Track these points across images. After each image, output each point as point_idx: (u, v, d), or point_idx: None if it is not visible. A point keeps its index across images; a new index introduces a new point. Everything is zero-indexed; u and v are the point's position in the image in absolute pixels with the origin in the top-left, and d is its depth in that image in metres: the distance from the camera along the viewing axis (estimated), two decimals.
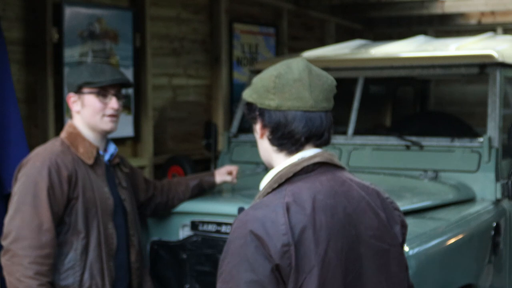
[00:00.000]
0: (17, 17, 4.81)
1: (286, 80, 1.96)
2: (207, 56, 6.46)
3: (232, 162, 4.85)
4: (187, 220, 3.59)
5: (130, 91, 5.55)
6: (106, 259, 3.00)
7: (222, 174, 3.73)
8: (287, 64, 2.00)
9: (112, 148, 3.19)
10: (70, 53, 5.01)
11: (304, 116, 1.94)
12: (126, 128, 5.53)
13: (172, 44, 6.10)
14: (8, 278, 2.84)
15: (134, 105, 5.59)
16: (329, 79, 2.02)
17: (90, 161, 3.04)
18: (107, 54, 5.35)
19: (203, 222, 3.54)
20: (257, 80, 2.02)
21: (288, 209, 1.84)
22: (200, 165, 5.78)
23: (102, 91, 3.05)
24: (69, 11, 5.02)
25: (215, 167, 4.92)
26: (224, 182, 3.75)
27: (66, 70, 4.99)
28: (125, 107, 5.50)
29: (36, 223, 2.85)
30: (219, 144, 5.30)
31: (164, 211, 3.61)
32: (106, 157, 3.16)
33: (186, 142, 6.20)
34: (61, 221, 2.94)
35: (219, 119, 6.38)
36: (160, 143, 5.93)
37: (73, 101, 3.09)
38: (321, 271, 1.81)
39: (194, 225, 3.57)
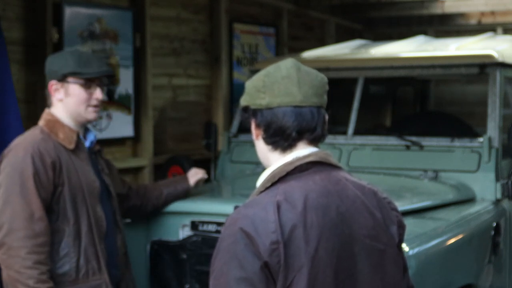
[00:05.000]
0: (17, 17, 4.81)
1: (275, 78, 1.99)
2: (207, 56, 6.46)
3: (232, 162, 4.85)
4: (187, 220, 3.59)
5: (130, 91, 5.55)
6: (98, 242, 2.99)
7: (193, 175, 3.69)
8: (276, 64, 2.03)
9: (92, 135, 3.18)
10: None
11: (294, 111, 1.96)
12: (126, 128, 5.53)
13: (172, 44, 6.10)
14: (7, 272, 2.81)
15: (134, 105, 5.59)
16: (319, 76, 2.04)
17: (71, 146, 3.00)
18: (107, 54, 5.35)
19: (203, 222, 3.54)
20: (248, 83, 2.05)
21: (278, 207, 1.84)
22: (200, 165, 5.77)
23: (87, 82, 3.03)
24: (69, 11, 5.02)
25: (215, 167, 4.92)
26: (199, 181, 3.71)
27: None
28: (125, 107, 5.51)
29: (27, 213, 2.82)
30: (219, 144, 5.30)
31: (137, 215, 3.58)
32: (87, 144, 3.13)
33: (186, 142, 6.20)
34: (49, 210, 2.91)
35: (219, 119, 6.38)
36: (160, 143, 5.92)
37: (56, 89, 3.05)
38: (311, 270, 1.81)
39: (194, 225, 3.57)
